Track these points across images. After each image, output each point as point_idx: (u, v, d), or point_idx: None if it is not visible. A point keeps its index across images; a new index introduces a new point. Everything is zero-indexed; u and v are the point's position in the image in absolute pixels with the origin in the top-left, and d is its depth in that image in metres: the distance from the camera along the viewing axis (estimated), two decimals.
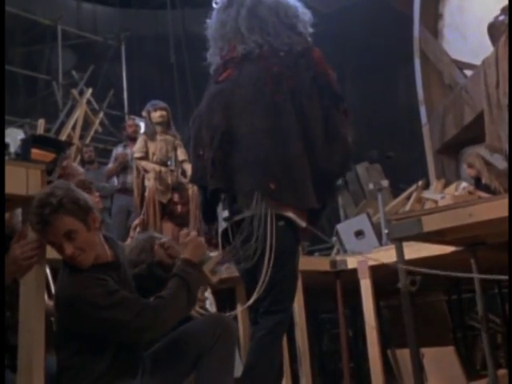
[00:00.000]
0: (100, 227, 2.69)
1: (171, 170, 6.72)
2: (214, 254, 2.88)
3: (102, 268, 2.59)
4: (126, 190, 7.88)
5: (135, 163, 6.83)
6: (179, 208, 6.03)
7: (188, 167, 6.85)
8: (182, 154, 6.99)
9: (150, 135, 6.85)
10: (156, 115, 6.82)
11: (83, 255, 2.52)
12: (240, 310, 5.00)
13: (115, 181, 8.20)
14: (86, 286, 2.47)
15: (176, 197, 6.11)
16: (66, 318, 2.54)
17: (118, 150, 8.42)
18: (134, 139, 8.15)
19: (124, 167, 8.09)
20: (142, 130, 7.64)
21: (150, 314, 2.47)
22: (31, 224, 2.47)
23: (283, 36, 3.20)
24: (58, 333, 2.60)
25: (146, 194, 6.41)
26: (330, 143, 3.07)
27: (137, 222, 6.16)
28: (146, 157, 6.76)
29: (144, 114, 6.95)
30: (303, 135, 3.03)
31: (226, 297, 5.43)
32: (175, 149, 6.99)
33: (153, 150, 6.78)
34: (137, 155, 6.80)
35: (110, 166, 8.29)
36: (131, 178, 7.65)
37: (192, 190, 6.27)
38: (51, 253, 2.62)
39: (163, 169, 6.68)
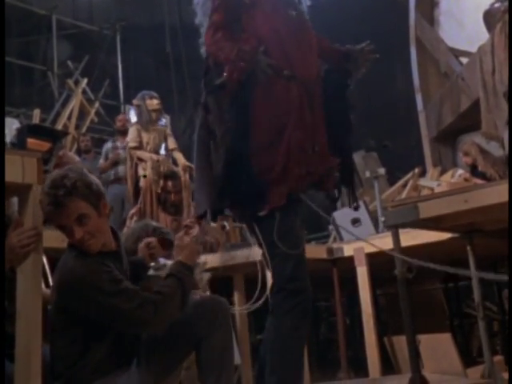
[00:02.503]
0: (109, 214, 2.70)
1: None
2: (199, 261, 2.93)
3: (108, 256, 2.61)
4: (118, 180, 7.93)
5: (129, 153, 6.83)
6: (172, 196, 6.01)
7: (178, 155, 6.89)
8: (172, 142, 7.08)
9: (145, 124, 6.87)
10: (154, 102, 6.88)
11: (92, 240, 2.54)
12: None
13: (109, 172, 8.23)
14: (93, 271, 2.49)
15: (169, 185, 6.08)
16: (68, 301, 2.54)
17: (108, 146, 8.47)
18: (122, 133, 8.28)
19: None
20: (133, 120, 7.67)
21: (150, 308, 2.47)
22: (42, 205, 2.47)
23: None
24: (56, 319, 2.59)
25: (142, 183, 6.40)
26: (215, 148, 2.88)
27: (133, 211, 6.13)
28: (140, 146, 6.78)
29: (138, 102, 6.96)
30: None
31: (222, 285, 5.44)
32: (165, 138, 7.05)
33: (146, 140, 6.82)
34: (131, 145, 6.82)
35: (102, 162, 8.28)
36: (122, 168, 7.74)
37: (184, 178, 6.27)
38: (48, 241, 2.61)
39: (160, 157, 6.70)
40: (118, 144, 8.25)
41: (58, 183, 2.45)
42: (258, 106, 2.84)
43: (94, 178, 2.62)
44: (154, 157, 6.60)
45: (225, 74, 2.81)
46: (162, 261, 2.91)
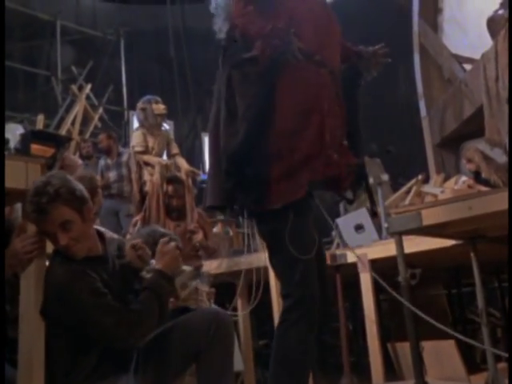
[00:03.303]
0: (94, 218, 2.70)
1: None
2: (187, 268, 2.89)
3: (93, 261, 2.61)
4: (110, 196, 7.98)
5: (135, 157, 6.80)
6: (175, 201, 5.98)
7: (180, 160, 6.87)
8: (174, 147, 7.07)
9: (150, 128, 6.85)
10: (161, 107, 6.88)
11: (77, 246, 2.54)
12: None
13: None
14: (75, 279, 2.48)
15: (171, 190, 6.06)
16: (52, 308, 2.53)
17: (101, 163, 8.56)
18: (107, 151, 8.45)
19: None
20: (135, 125, 7.70)
21: (124, 328, 2.47)
22: (26, 212, 2.48)
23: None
24: (48, 325, 2.58)
25: (149, 188, 6.34)
26: (230, 123, 2.73)
27: (137, 218, 6.10)
28: (146, 151, 6.75)
29: (143, 105, 6.93)
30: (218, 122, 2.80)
31: (225, 291, 5.44)
32: (168, 143, 7.05)
33: (152, 145, 6.81)
34: (137, 149, 6.78)
35: (99, 179, 8.34)
36: (115, 186, 8.01)
37: (187, 182, 6.25)
38: (52, 247, 2.62)
39: (169, 162, 6.68)
40: (109, 162, 8.36)
41: (41, 190, 2.44)
42: (285, 88, 2.72)
43: (77, 184, 2.61)
44: (163, 161, 6.58)
45: (255, 49, 2.68)
46: (153, 263, 2.88)
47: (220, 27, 2.91)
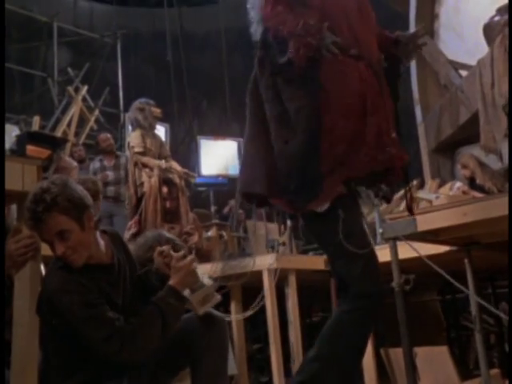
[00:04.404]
0: (96, 226, 2.64)
1: None
2: (208, 281, 2.84)
3: (93, 270, 2.55)
4: (106, 198, 7.95)
5: (134, 158, 6.72)
6: (168, 203, 5.94)
7: (173, 163, 6.85)
8: (166, 150, 7.04)
9: (148, 129, 6.80)
10: (158, 111, 6.85)
11: (75, 255, 2.48)
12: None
13: None
14: (67, 290, 2.44)
15: (165, 192, 6.01)
16: (46, 314, 2.52)
17: (96, 165, 8.48)
18: (109, 152, 8.39)
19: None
20: (130, 128, 7.69)
21: (116, 342, 2.41)
22: (24, 219, 2.45)
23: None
24: (42, 327, 2.57)
25: (146, 189, 6.29)
26: (281, 127, 2.67)
27: (131, 222, 6.06)
28: (145, 152, 6.69)
29: (142, 106, 6.84)
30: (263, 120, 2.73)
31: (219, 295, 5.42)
32: (160, 145, 7.03)
33: (149, 146, 6.75)
34: (137, 150, 6.68)
35: None
36: (111, 189, 8.04)
37: (180, 184, 6.21)
38: (46, 249, 2.61)
39: (168, 165, 6.64)
40: (106, 163, 8.32)
41: (38, 198, 2.39)
42: (328, 85, 2.64)
43: (79, 190, 2.54)
44: (162, 165, 6.52)
45: (290, 51, 2.59)
46: None
47: (255, 30, 2.86)
